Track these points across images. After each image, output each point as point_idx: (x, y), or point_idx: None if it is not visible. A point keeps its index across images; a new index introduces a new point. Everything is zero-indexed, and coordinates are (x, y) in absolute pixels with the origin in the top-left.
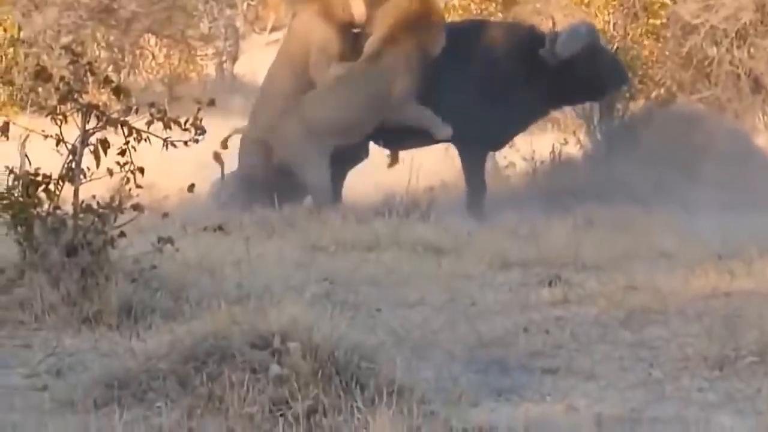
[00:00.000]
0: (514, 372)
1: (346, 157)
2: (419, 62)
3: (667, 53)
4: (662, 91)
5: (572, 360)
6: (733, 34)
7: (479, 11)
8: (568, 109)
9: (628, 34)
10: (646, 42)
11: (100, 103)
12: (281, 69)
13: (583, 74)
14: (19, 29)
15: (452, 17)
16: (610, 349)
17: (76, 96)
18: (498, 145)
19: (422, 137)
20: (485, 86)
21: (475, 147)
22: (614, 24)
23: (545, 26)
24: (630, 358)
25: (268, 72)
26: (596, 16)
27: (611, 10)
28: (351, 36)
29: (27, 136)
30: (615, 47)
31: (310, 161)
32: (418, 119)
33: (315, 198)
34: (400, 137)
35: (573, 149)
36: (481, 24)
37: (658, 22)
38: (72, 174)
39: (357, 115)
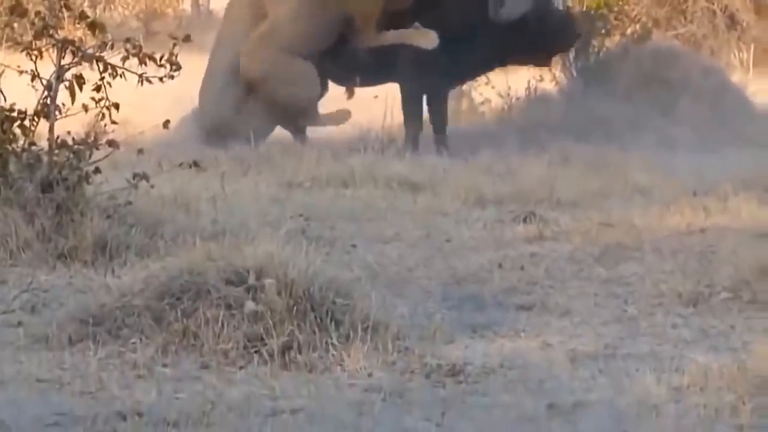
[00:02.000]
0: (489, 308)
1: None
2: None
3: None
4: (638, 27)
5: (547, 296)
6: None
7: None
8: None
9: None
10: None
11: (76, 39)
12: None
13: (533, 34)
14: None
15: None
16: (585, 285)
17: (51, 31)
18: (436, 91)
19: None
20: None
21: (414, 90)
22: None
23: None
24: (604, 295)
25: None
26: None
27: None
28: None
29: (2, 72)
30: None
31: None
32: (395, 41)
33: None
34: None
35: (548, 86)
36: None
37: None
38: (47, 110)
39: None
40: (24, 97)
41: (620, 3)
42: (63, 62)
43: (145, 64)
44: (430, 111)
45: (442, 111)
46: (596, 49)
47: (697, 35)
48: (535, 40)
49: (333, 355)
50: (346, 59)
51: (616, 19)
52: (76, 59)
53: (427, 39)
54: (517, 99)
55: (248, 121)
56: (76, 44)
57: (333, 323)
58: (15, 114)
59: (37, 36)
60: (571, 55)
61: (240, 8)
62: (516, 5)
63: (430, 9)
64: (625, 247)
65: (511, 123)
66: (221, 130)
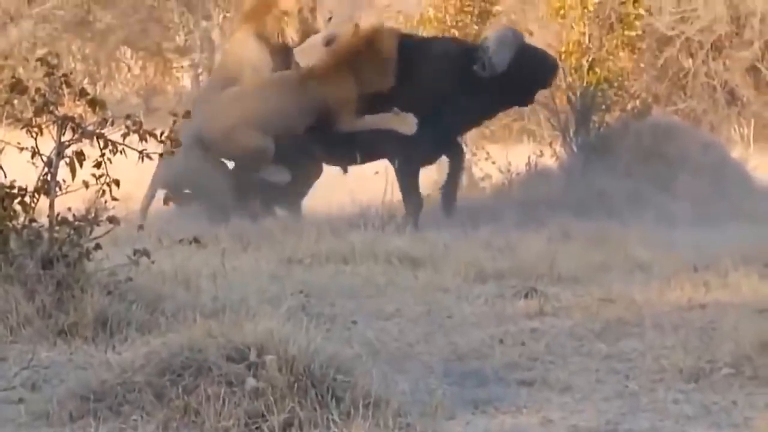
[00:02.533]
0: (490, 384)
1: (300, 176)
2: (364, 91)
3: (642, 65)
4: (638, 102)
5: (548, 372)
6: (709, 46)
7: (454, 23)
8: (543, 121)
9: (604, 46)
10: (621, 54)
11: (76, 116)
12: (215, 85)
13: (517, 79)
14: None
15: (427, 30)
16: (586, 361)
17: (51, 108)
18: (431, 161)
19: (374, 151)
20: (417, 104)
21: (409, 163)
22: (590, 36)
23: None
24: (605, 370)
25: (204, 87)
26: (572, 27)
27: (587, 22)
28: (286, 59)
29: (2, 149)
30: (590, 59)
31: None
32: (374, 125)
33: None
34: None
35: (549, 161)
36: (412, 40)
37: (633, 33)
38: (47, 186)
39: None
40: (24, 173)
41: (620, 79)
42: (63, 139)
43: (146, 141)
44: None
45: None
46: (596, 125)
47: (697, 111)
48: (518, 84)
49: (334, 431)
50: (333, 140)
51: (616, 94)
52: (76, 136)
53: (405, 124)
54: (518, 174)
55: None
56: (77, 121)
57: (334, 400)
58: (15, 191)
59: (38, 113)
60: (572, 130)
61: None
62: (501, 56)
63: (412, 81)
64: (625, 322)
65: (511, 198)
66: (177, 188)
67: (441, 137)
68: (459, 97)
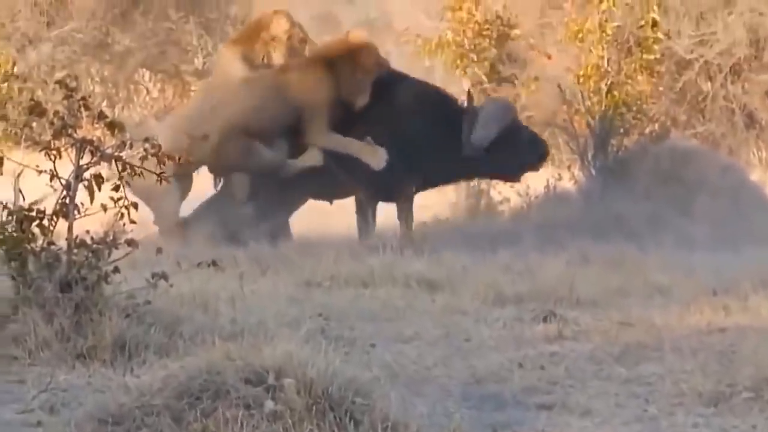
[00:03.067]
0: (509, 408)
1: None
2: (338, 98)
3: (661, 88)
4: (656, 126)
5: (567, 396)
6: (728, 70)
7: (473, 47)
8: (562, 144)
9: (623, 70)
10: (640, 77)
11: (95, 138)
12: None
13: (503, 153)
14: (14, 64)
15: (446, 53)
16: (605, 385)
17: (70, 131)
18: (396, 199)
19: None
20: (395, 143)
21: (374, 199)
22: (608, 59)
23: (539, 63)
24: (625, 394)
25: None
26: (590, 51)
27: (605, 45)
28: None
29: (21, 171)
30: (609, 82)
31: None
32: (343, 148)
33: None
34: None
35: (567, 184)
36: (399, 80)
37: (652, 57)
38: (66, 209)
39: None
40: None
41: (639, 102)
42: (82, 162)
43: (164, 164)
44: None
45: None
46: (615, 148)
47: (716, 134)
48: (504, 159)
49: None
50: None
51: (634, 118)
52: (94, 159)
53: (375, 158)
54: (536, 197)
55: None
56: (95, 144)
57: (352, 423)
58: (34, 213)
59: (56, 135)
60: (590, 154)
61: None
62: (486, 132)
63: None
64: (645, 346)
65: (530, 221)
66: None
67: (412, 182)
68: (444, 156)
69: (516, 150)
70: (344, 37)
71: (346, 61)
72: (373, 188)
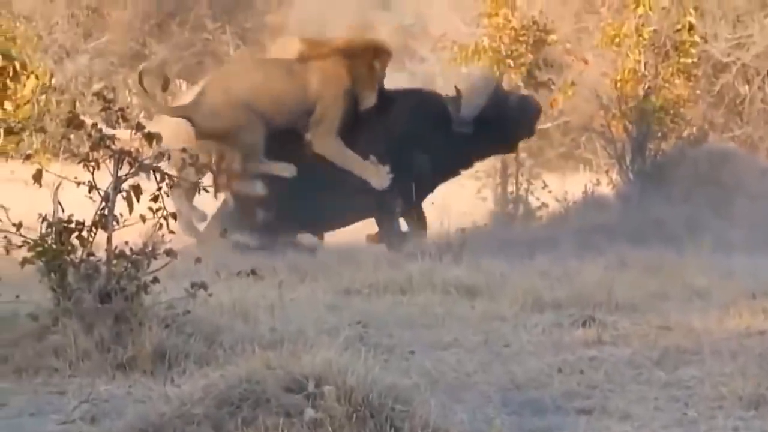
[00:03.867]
0: (549, 413)
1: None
2: (349, 109)
3: (698, 92)
4: (694, 130)
5: (607, 400)
6: (765, 72)
7: (509, 53)
8: (599, 149)
9: (659, 74)
10: (677, 81)
11: (132, 150)
12: None
13: (495, 124)
14: (51, 76)
15: (483, 60)
16: (645, 389)
17: (108, 143)
18: (409, 204)
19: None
20: (395, 152)
21: (388, 209)
22: (645, 63)
23: (576, 68)
24: (664, 398)
25: None
26: (627, 55)
27: (642, 50)
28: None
29: (60, 184)
30: (646, 87)
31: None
32: (345, 161)
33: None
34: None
35: (605, 189)
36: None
37: (689, 61)
38: (105, 220)
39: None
40: (81, 208)
41: (676, 106)
42: (120, 173)
43: (202, 173)
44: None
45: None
46: (652, 152)
47: (754, 137)
48: (497, 131)
49: None
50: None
51: (672, 122)
52: (132, 170)
53: (378, 177)
54: (574, 203)
55: None
56: (133, 155)
57: (393, 430)
58: (73, 225)
59: (94, 147)
60: (628, 158)
61: None
62: (472, 104)
63: (387, 126)
64: (684, 350)
65: (568, 227)
66: None
67: (420, 186)
68: (435, 148)
69: (505, 117)
70: (362, 35)
71: (364, 57)
72: (387, 200)
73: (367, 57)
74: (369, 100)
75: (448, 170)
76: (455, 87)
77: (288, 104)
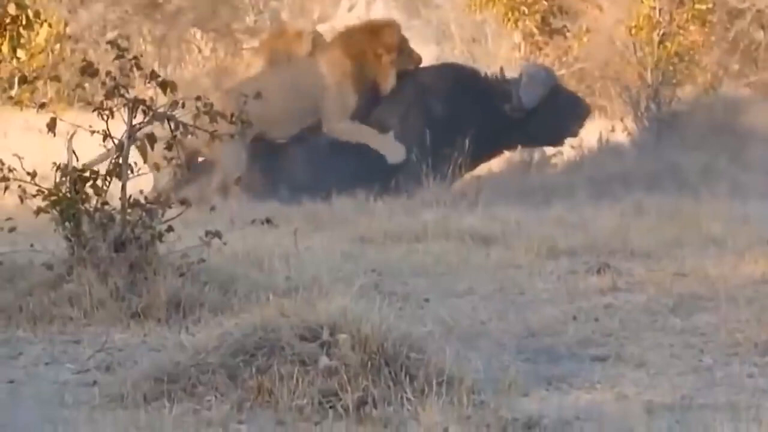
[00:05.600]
0: (564, 361)
1: None
2: (361, 88)
3: (713, 38)
4: (709, 76)
5: (622, 348)
6: None
7: None
8: (614, 96)
9: (674, 20)
10: (692, 27)
11: (147, 98)
12: None
13: (545, 118)
14: (65, 25)
15: (497, 6)
16: (660, 336)
17: (122, 91)
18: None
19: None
20: (438, 125)
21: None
22: (660, 10)
23: (591, 15)
24: (680, 345)
25: None
26: (642, 2)
27: None
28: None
29: (74, 132)
30: (661, 33)
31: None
32: (361, 137)
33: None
34: None
35: (620, 136)
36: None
37: (704, 7)
38: (119, 169)
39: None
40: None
41: (691, 52)
42: (134, 121)
43: (216, 122)
44: None
45: None
46: (668, 99)
47: None
48: (546, 124)
49: (408, 409)
50: None
51: (686, 69)
52: (147, 118)
53: (394, 152)
54: (589, 150)
55: None
56: (147, 103)
57: (407, 378)
58: (87, 174)
59: (108, 96)
60: (643, 105)
61: None
62: (531, 94)
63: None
64: (699, 297)
65: (583, 174)
66: None
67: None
68: (485, 122)
69: (557, 113)
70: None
71: (367, 42)
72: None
73: (370, 39)
74: (387, 82)
75: (490, 150)
76: (519, 73)
77: (310, 101)
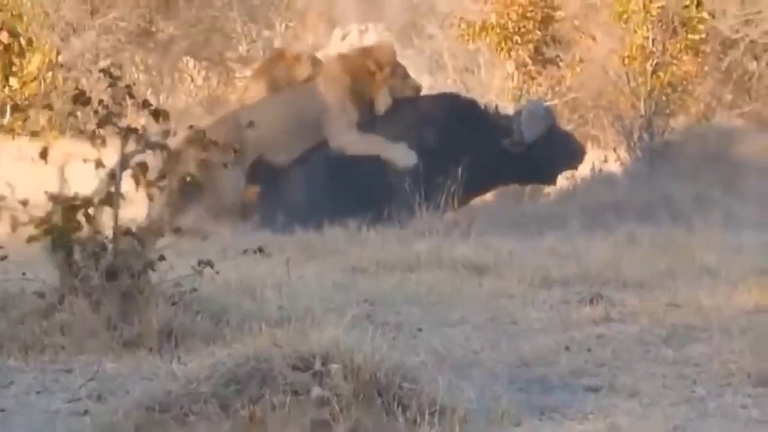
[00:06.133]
0: (557, 390)
1: None
2: (360, 107)
3: (706, 68)
4: (702, 106)
5: (615, 378)
6: None
7: (517, 29)
8: (607, 126)
9: (667, 50)
10: (685, 58)
11: (139, 127)
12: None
13: (539, 156)
14: (58, 53)
15: (490, 36)
16: (653, 366)
17: (114, 119)
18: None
19: None
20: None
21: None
22: (653, 40)
23: (584, 45)
24: (673, 376)
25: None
26: (635, 32)
27: (650, 26)
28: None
29: (66, 161)
30: (654, 63)
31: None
32: (370, 147)
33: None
34: None
35: (613, 166)
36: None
37: (697, 37)
38: (111, 198)
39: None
40: (88, 185)
41: (684, 83)
42: (127, 150)
43: (209, 150)
44: None
45: None
46: (661, 129)
47: (762, 114)
48: (542, 161)
49: None
50: None
51: (680, 99)
52: (139, 147)
53: (405, 157)
54: (582, 180)
55: None
56: (140, 132)
57: (400, 408)
58: (79, 202)
59: (101, 124)
60: (636, 135)
61: None
62: (531, 129)
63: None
64: (692, 327)
65: (576, 204)
66: None
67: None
68: (480, 158)
69: (553, 151)
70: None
71: (362, 59)
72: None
73: (363, 58)
74: (382, 101)
75: (485, 184)
76: (519, 109)
77: (311, 121)
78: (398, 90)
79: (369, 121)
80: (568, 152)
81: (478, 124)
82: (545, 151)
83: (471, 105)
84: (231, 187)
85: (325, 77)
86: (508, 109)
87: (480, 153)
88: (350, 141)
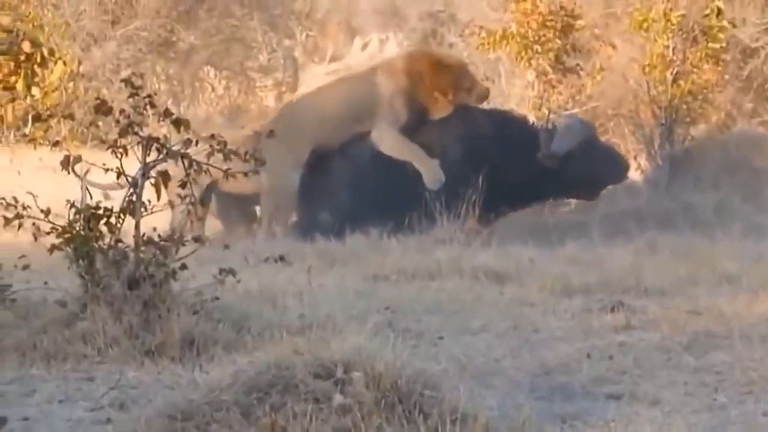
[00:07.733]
0: (578, 398)
1: None
2: (410, 110)
3: (726, 77)
4: (722, 115)
5: (636, 386)
6: None
7: (537, 38)
8: (628, 134)
9: (688, 59)
10: (705, 66)
11: (160, 136)
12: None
13: (578, 171)
14: (79, 63)
15: (510, 45)
16: (674, 374)
17: (136, 129)
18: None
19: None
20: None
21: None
22: (673, 48)
23: (603, 53)
24: (694, 383)
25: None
26: (655, 40)
27: (670, 35)
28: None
29: (88, 170)
30: (674, 72)
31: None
32: (406, 153)
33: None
34: None
35: (634, 174)
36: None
37: (717, 46)
38: (133, 207)
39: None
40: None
41: (705, 91)
42: (148, 159)
43: (230, 160)
44: None
45: None
46: (681, 138)
47: None
48: (581, 175)
49: None
50: None
51: (700, 107)
52: (161, 156)
53: (434, 177)
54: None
55: None
56: (161, 141)
57: (421, 416)
58: (101, 212)
59: (122, 134)
60: (656, 143)
61: None
62: (564, 142)
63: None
64: (714, 335)
65: (597, 212)
66: None
67: (494, 203)
68: (521, 172)
69: (594, 165)
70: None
71: (422, 67)
72: None
73: (425, 67)
74: (439, 111)
75: (522, 199)
76: (551, 122)
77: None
78: (459, 100)
79: (419, 125)
80: (611, 167)
81: (509, 136)
82: (586, 165)
83: (517, 122)
84: (284, 186)
85: (385, 70)
86: (542, 122)
87: (521, 168)
88: (388, 140)
